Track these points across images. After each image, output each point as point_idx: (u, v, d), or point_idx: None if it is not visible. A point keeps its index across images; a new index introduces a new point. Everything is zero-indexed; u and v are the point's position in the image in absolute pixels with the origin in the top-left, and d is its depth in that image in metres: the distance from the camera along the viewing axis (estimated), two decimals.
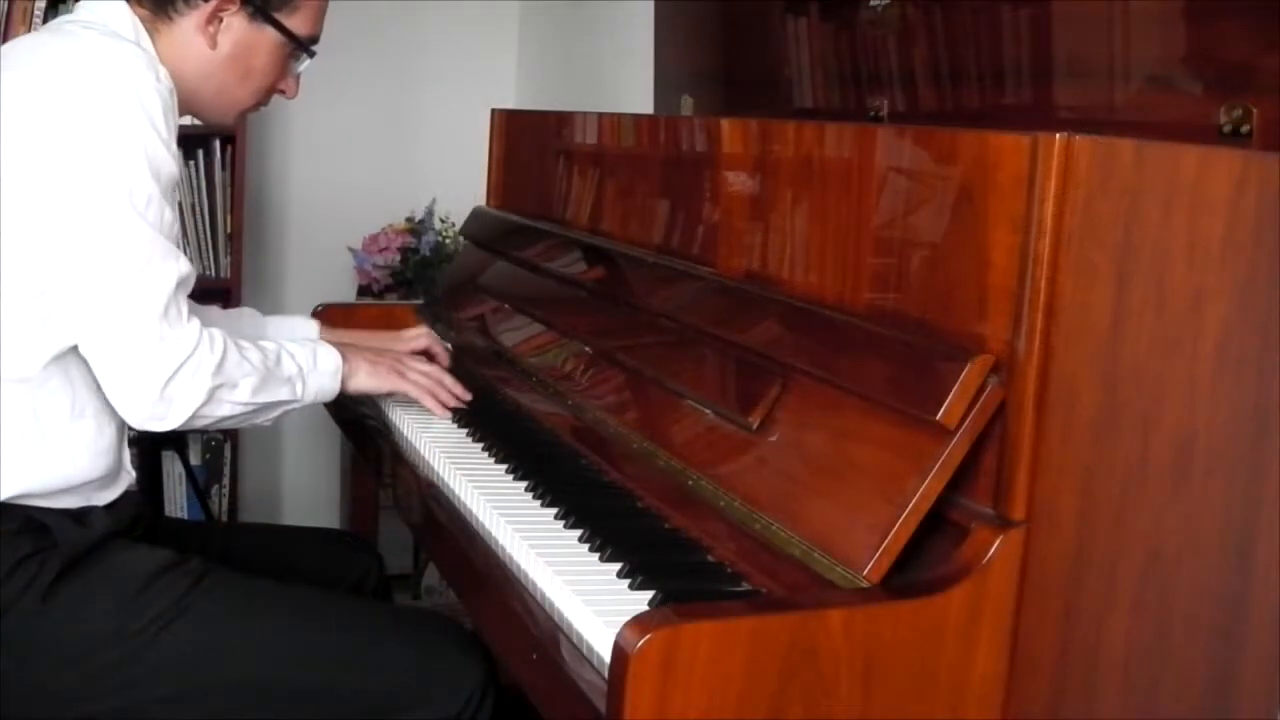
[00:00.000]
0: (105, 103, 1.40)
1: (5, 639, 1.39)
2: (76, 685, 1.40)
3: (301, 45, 1.64)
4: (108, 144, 1.39)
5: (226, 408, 1.49)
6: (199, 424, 1.48)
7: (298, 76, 1.69)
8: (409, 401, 1.78)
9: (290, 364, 1.57)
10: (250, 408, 1.52)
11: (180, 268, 1.43)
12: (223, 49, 1.57)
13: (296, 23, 1.61)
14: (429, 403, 1.74)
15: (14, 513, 1.42)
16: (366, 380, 1.69)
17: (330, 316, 2.12)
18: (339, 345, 1.68)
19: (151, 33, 1.54)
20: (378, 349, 1.79)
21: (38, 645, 1.39)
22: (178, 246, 1.44)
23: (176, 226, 1.46)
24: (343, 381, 1.65)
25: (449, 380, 1.78)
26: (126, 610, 1.41)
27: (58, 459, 1.45)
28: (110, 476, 1.52)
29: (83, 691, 1.40)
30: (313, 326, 1.93)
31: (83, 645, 1.40)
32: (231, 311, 1.95)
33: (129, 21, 1.52)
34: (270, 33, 1.59)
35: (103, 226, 1.39)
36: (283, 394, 1.56)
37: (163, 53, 1.53)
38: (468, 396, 1.78)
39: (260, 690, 1.43)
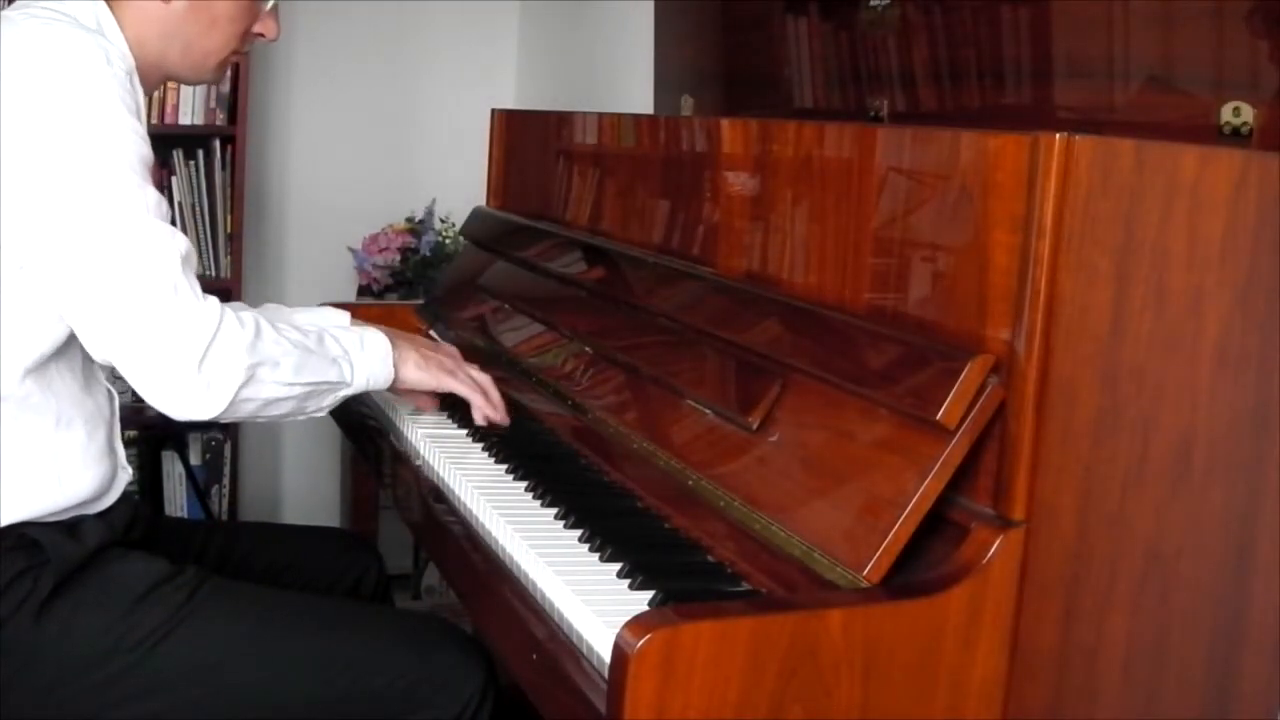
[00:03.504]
0: (61, 98, 1.33)
1: (2, 657, 1.37)
2: (75, 700, 1.38)
3: None
4: (73, 140, 1.32)
5: (270, 388, 1.40)
6: (246, 409, 1.40)
7: (274, 14, 1.59)
8: (409, 401, 1.77)
9: (334, 345, 1.49)
10: (298, 388, 1.44)
11: (179, 244, 1.36)
12: (178, 3, 1.49)
13: None
14: (478, 401, 1.63)
15: (5, 530, 1.39)
16: (415, 371, 1.59)
17: None
18: (389, 332, 1.58)
19: (112, 8, 1.48)
20: (429, 344, 1.70)
21: (34, 663, 1.37)
22: (174, 227, 1.38)
23: (165, 205, 1.38)
24: (394, 368, 1.56)
25: (496, 394, 1.68)
26: (122, 625, 1.39)
27: (51, 476, 1.42)
28: (107, 481, 1.48)
29: (82, 706, 1.38)
30: (343, 317, 1.83)
31: (80, 662, 1.38)
32: (259, 308, 1.89)
33: (83, 2, 1.45)
34: None
35: (89, 221, 1.33)
36: (330, 374, 1.47)
37: (126, 26, 1.48)
38: (507, 421, 1.67)
39: (259, 698, 1.42)
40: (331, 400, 1.51)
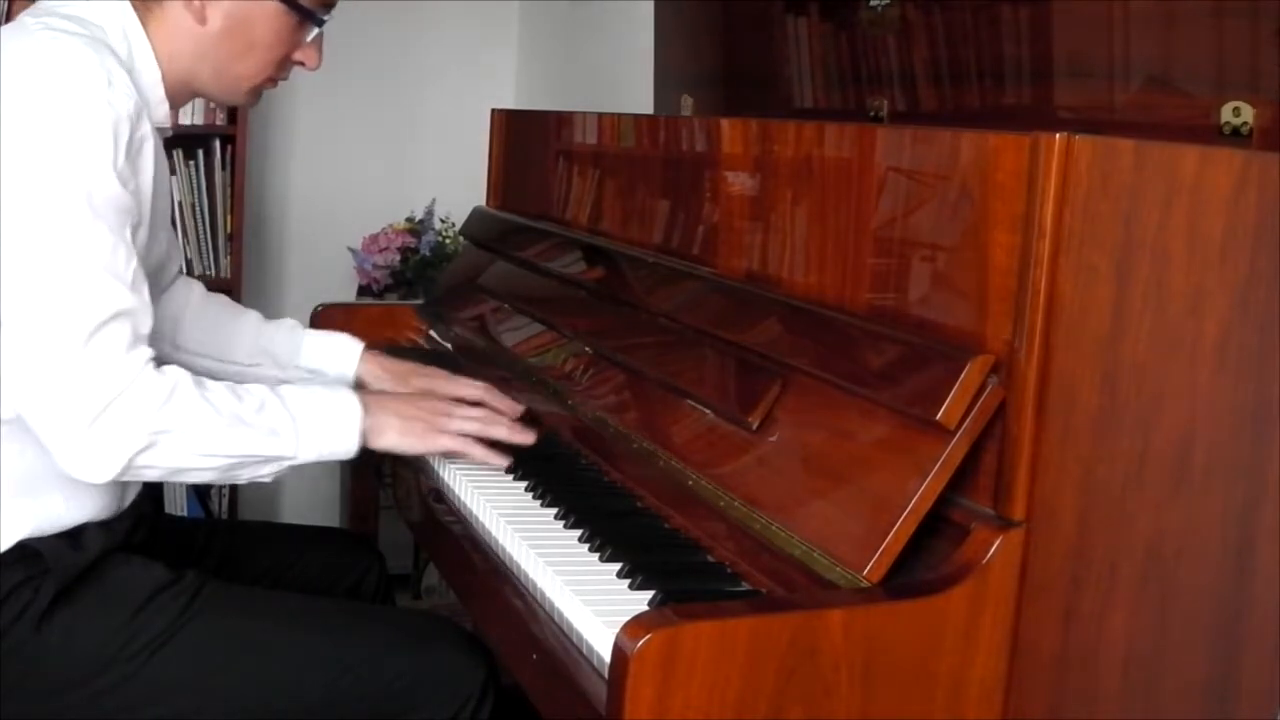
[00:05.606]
0: (38, 122, 1.28)
1: (2, 667, 1.36)
2: (77, 708, 1.37)
3: (306, 13, 1.48)
4: (35, 167, 1.27)
5: (181, 457, 1.33)
6: (150, 475, 1.35)
7: (316, 43, 1.53)
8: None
9: (279, 413, 1.39)
10: (220, 459, 1.35)
11: (119, 301, 1.29)
12: (214, 24, 1.44)
13: None
14: (479, 454, 1.51)
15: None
16: (397, 439, 1.47)
17: (331, 316, 2.12)
18: (365, 396, 1.48)
19: (144, 16, 1.43)
20: (417, 393, 1.61)
21: (35, 672, 1.37)
22: (121, 279, 1.30)
23: (121, 255, 1.30)
24: (364, 437, 1.44)
25: (505, 420, 1.56)
26: (123, 633, 1.38)
27: (57, 496, 1.39)
28: (118, 498, 1.46)
29: (83, 715, 1.38)
30: (354, 348, 1.76)
31: (80, 670, 1.37)
32: (272, 323, 1.82)
33: (111, 10, 1.42)
34: (267, 1, 1.46)
35: (25, 255, 1.27)
36: (264, 447, 1.37)
37: (157, 41, 1.44)
38: (530, 438, 1.56)
39: (261, 700, 1.41)
40: (273, 470, 1.41)
